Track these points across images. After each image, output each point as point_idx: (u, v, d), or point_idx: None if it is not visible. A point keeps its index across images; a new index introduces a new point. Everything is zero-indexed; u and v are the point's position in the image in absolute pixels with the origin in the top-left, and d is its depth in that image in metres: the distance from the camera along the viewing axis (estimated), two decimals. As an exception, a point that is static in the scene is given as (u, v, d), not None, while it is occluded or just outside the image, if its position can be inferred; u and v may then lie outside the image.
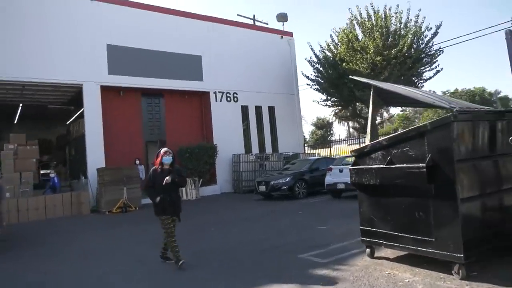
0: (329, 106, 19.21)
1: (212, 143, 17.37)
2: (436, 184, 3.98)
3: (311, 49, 18.85)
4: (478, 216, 4.04)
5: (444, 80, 79.84)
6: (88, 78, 14.74)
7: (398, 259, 4.79)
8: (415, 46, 16.18)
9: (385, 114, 46.29)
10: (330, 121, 48.27)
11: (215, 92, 17.97)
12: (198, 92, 17.94)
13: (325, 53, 18.45)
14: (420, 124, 4.22)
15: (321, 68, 18.44)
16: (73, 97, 16.67)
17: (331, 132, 51.87)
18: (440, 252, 4.00)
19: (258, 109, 19.54)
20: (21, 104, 18.59)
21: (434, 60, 16.79)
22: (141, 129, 16.92)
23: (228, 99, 18.44)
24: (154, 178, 5.39)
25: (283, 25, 21.99)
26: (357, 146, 11.50)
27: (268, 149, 19.65)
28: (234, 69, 18.56)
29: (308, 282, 4.36)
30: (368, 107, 18.91)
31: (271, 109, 20.01)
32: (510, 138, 3.39)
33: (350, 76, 8.93)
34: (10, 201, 12.54)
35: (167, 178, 5.18)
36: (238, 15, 24.96)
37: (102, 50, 15.19)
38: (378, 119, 42.25)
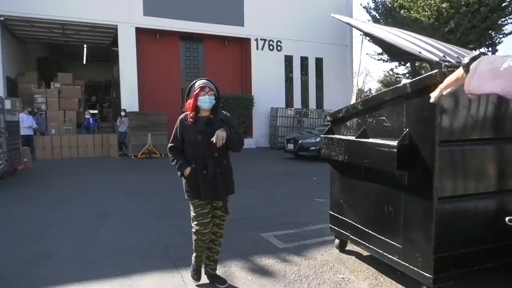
0: (384, 61, 16.95)
1: (250, 95, 16.46)
2: (411, 172, 2.78)
3: (369, -8, 16.49)
4: (462, 226, 2.75)
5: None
6: (122, 19, 14.36)
7: (370, 259, 3.72)
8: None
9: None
10: (398, 78, 44.20)
11: (256, 39, 16.69)
12: (239, 39, 16.80)
13: (384, -2, 16.01)
14: (401, 84, 2.92)
15: (378, 16, 16.10)
16: (114, 38, 16.53)
17: (399, 90, 47.73)
18: (406, 265, 2.87)
19: (304, 60, 17.95)
20: (85, 45, 19.05)
21: (520, 10, 13.65)
22: (179, 74, 16.47)
23: (271, 47, 17.08)
24: (183, 134, 3.02)
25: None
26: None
27: (312, 105, 18.26)
28: (279, 15, 16.93)
29: (241, 271, 3.53)
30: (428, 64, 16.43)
31: (319, 61, 18.28)
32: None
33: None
34: (45, 139, 13.12)
35: (218, 133, 2.83)
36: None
37: (137, -11, 14.57)
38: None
